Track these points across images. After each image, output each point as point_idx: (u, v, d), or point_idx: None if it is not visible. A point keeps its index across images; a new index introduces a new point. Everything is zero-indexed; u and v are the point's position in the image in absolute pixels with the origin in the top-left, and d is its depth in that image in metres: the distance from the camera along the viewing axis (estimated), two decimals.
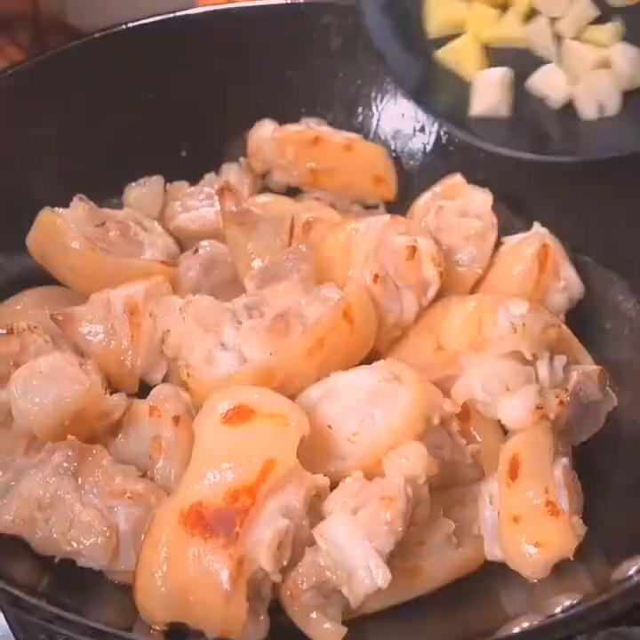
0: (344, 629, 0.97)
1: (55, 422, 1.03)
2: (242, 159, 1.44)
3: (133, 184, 1.38)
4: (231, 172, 1.41)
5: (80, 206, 1.25)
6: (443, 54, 1.19)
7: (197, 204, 1.37)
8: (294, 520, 0.96)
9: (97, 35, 1.36)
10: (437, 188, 1.33)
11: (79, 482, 1.00)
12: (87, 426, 1.07)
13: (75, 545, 0.99)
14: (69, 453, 1.00)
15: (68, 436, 1.02)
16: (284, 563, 0.94)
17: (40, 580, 0.99)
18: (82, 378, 1.05)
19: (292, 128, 1.40)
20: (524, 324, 1.09)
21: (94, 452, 1.02)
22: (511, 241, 1.30)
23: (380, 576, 0.95)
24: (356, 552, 0.95)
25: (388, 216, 1.27)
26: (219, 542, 0.93)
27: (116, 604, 0.95)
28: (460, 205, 1.30)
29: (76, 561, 1.01)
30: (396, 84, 0.98)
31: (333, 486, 1.00)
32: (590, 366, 1.17)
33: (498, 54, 1.19)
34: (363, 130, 1.46)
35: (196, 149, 1.42)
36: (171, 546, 0.93)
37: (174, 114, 1.40)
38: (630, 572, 0.89)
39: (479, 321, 1.12)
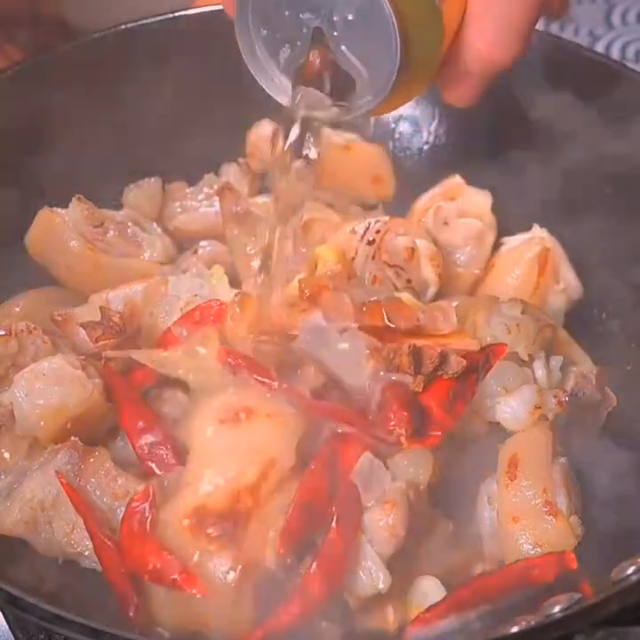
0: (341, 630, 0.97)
1: (58, 425, 1.04)
2: (241, 159, 1.44)
3: (132, 185, 1.38)
4: (230, 173, 1.41)
5: (79, 206, 1.25)
6: None
7: (197, 205, 1.37)
8: None
9: (96, 35, 1.36)
10: (437, 189, 1.33)
11: (82, 483, 1.00)
12: (88, 428, 1.07)
13: (77, 547, 0.99)
14: (72, 455, 1.01)
15: (71, 438, 1.02)
16: (288, 561, 0.95)
17: (42, 581, 0.99)
18: (84, 381, 1.05)
19: None
20: (517, 325, 1.10)
21: (96, 453, 1.02)
22: (511, 242, 1.31)
23: (381, 579, 0.96)
24: (357, 555, 0.96)
25: (386, 217, 1.28)
26: (223, 544, 0.93)
27: (119, 605, 0.95)
28: (460, 206, 1.30)
29: (80, 562, 1.01)
30: None
31: None
32: (589, 367, 1.17)
33: None
34: (361, 130, 1.46)
35: (195, 150, 1.42)
36: (175, 549, 0.93)
37: (173, 114, 1.40)
38: (629, 572, 0.89)
39: (473, 323, 1.12)
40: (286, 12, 0.88)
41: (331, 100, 0.91)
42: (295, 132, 0.95)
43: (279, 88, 0.94)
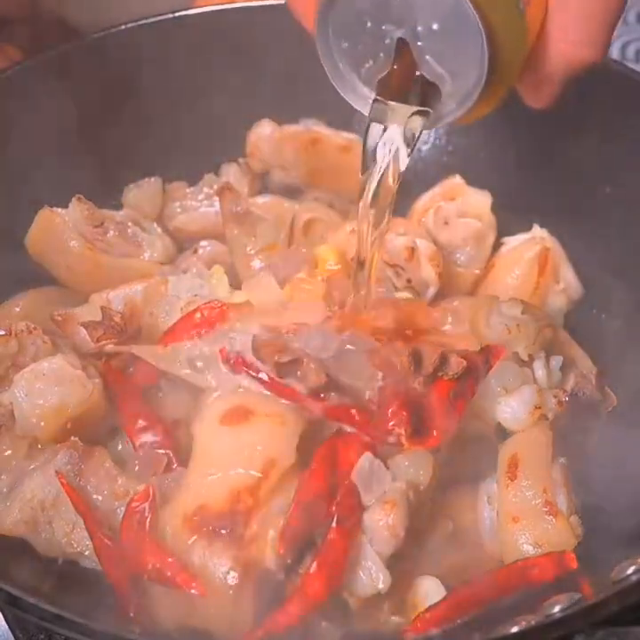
0: (341, 630, 0.97)
1: (58, 425, 1.04)
2: (241, 159, 1.44)
3: (132, 185, 1.38)
4: (230, 173, 1.41)
5: (79, 206, 1.25)
6: None
7: (197, 205, 1.37)
8: None
9: (96, 35, 1.36)
10: (437, 189, 1.33)
11: (82, 483, 1.00)
12: (88, 428, 1.07)
13: (77, 547, 0.99)
14: (72, 455, 1.01)
15: (71, 438, 1.02)
16: (289, 561, 0.95)
17: (43, 580, 0.99)
18: (84, 381, 1.05)
19: (290, 129, 1.40)
20: (517, 325, 1.10)
21: (96, 453, 1.02)
22: (511, 242, 1.31)
23: (381, 579, 0.96)
24: (357, 555, 0.96)
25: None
26: (223, 544, 0.93)
27: (119, 605, 0.95)
28: (459, 206, 1.30)
29: (80, 562, 1.01)
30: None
31: None
32: (588, 367, 1.17)
33: None
34: (361, 131, 1.45)
35: (195, 150, 1.42)
36: (175, 549, 0.93)
37: (173, 114, 1.40)
38: (629, 572, 0.89)
39: (473, 323, 1.12)
40: (368, 24, 0.86)
41: (415, 110, 0.89)
42: (380, 143, 0.94)
43: (362, 99, 0.92)
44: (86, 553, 0.98)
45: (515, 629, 0.84)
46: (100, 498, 1.00)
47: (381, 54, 0.87)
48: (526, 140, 1.33)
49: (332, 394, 1.01)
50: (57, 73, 1.32)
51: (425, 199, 1.34)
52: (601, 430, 1.15)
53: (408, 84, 0.88)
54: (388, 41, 0.86)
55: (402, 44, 0.85)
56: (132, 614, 0.93)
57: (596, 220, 1.28)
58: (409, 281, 1.22)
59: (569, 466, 1.08)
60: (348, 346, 1.03)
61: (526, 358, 1.10)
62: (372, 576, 0.96)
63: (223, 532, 0.93)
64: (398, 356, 1.01)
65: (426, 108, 0.89)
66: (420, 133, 0.92)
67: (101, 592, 0.97)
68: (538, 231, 1.30)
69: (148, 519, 0.96)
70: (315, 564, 0.92)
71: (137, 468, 1.03)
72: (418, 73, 0.87)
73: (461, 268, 1.29)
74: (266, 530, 0.94)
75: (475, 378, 1.03)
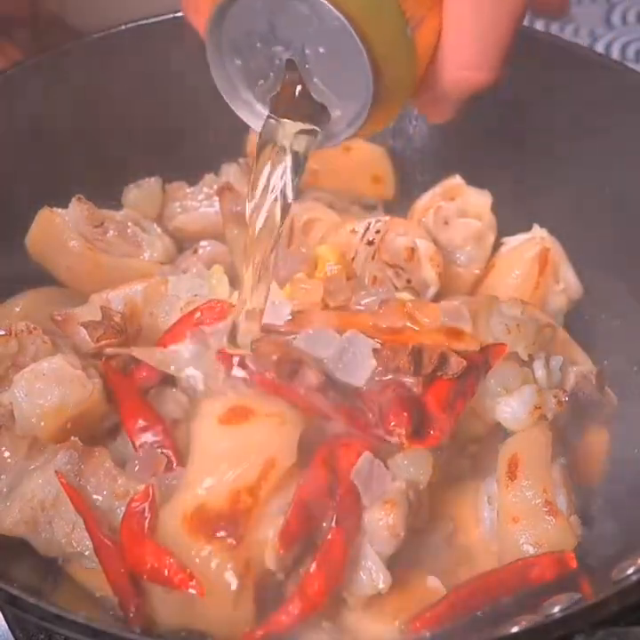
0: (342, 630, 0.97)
1: (58, 425, 1.04)
2: (241, 159, 1.44)
3: (132, 185, 1.38)
4: (230, 173, 1.41)
5: (79, 206, 1.26)
6: None
7: (197, 205, 1.37)
8: None
9: (96, 35, 1.36)
10: (437, 189, 1.33)
11: (82, 483, 1.00)
12: (88, 428, 1.07)
13: (77, 547, 0.99)
14: (72, 455, 1.01)
15: (71, 438, 1.02)
16: (289, 561, 0.95)
17: (43, 580, 0.99)
18: (84, 381, 1.05)
19: None
20: (517, 325, 1.10)
21: (96, 453, 1.02)
22: (511, 242, 1.31)
23: (381, 579, 0.96)
24: (357, 555, 0.96)
25: (386, 217, 1.28)
26: (224, 544, 0.93)
27: (119, 605, 0.95)
28: (460, 206, 1.30)
29: (80, 562, 1.01)
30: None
31: None
32: (588, 367, 1.17)
33: None
34: None
35: (196, 150, 1.42)
36: (175, 549, 0.93)
37: (173, 114, 1.40)
38: (629, 572, 0.89)
39: (473, 323, 1.12)
40: (258, 45, 0.86)
41: (306, 129, 0.89)
42: (269, 163, 0.92)
43: (257, 116, 0.91)
44: (86, 553, 0.99)
45: (515, 629, 0.84)
46: (99, 498, 1.00)
47: (271, 74, 0.87)
48: (527, 140, 1.33)
49: (332, 394, 1.01)
50: (57, 73, 1.32)
51: (425, 199, 1.34)
52: (601, 430, 1.15)
53: (299, 104, 0.87)
54: (277, 61, 0.86)
55: (291, 66, 0.85)
56: (131, 614, 0.93)
57: (597, 220, 1.28)
58: (409, 281, 1.22)
59: (569, 466, 1.08)
60: (348, 346, 1.03)
61: (526, 358, 1.10)
62: (372, 576, 0.96)
63: (223, 532, 0.93)
64: (398, 356, 1.01)
65: (313, 127, 0.88)
66: (308, 154, 0.91)
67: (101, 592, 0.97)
68: (538, 231, 1.30)
69: (148, 519, 0.96)
70: (315, 564, 0.93)
71: (137, 468, 1.03)
72: (307, 95, 0.86)
73: (461, 268, 1.29)
74: (266, 530, 0.95)
75: (475, 378, 1.04)
